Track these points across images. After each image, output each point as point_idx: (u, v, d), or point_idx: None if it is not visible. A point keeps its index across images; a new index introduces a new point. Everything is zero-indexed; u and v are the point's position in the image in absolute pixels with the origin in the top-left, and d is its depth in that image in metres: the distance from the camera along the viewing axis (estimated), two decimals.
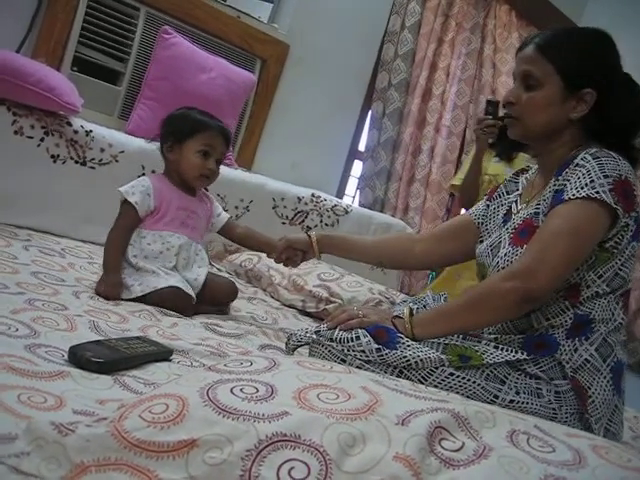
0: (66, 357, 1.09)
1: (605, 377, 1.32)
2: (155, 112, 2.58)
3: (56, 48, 2.47)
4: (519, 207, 1.51)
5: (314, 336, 1.35)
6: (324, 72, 3.28)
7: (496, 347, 1.31)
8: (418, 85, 3.59)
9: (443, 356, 1.27)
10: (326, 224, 2.97)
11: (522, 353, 1.31)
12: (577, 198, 1.28)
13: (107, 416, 0.78)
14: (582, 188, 1.28)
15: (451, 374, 1.28)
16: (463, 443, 0.76)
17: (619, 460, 0.76)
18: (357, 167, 3.70)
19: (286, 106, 3.18)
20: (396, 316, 1.38)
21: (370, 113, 3.54)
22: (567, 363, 1.31)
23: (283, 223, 2.86)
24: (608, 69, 1.40)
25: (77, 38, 2.51)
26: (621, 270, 1.36)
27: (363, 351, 1.28)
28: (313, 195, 2.97)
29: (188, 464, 0.69)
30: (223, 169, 2.65)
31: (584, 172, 1.30)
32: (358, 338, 1.29)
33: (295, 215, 2.89)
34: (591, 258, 1.33)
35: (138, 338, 1.27)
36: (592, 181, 1.28)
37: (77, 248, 2.11)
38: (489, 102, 2.55)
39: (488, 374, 1.29)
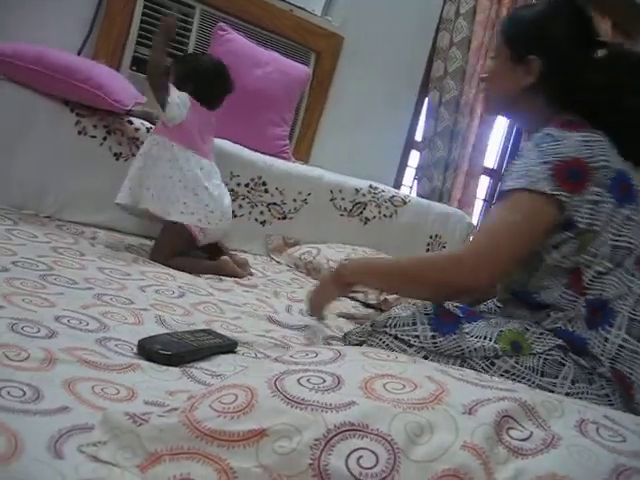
0: (135, 350, 1.12)
1: None
2: None
3: (115, 49, 2.53)
4: None
5: (370, 328, 1.36)
6: (379, 62, 3.27)
7: (541, 334, 1.29)
8: (475, 73, 3.55)
9: (497, 345, 1.25)
10: (384, 215, 2.96)
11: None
12: (515, 190, 1.26)
13: (178, 406, 0.80)
14: (519, 179, 1.26)
15: (506, 371, 1.24)
16: (531, 432, 0.75)
17: None
18: (414, 157, 3.68)
19: (341, 98, 3.18)
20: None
21: (426, 102, 3.52)
22: (602, 356, 1.25)
23: (341, 215, 2.86)
24: (556, 36, 1.37)
25: (135, 38, 2.57)
26: (618, 241, 1.28)
27: (418, 336, 1.28)
28: (371, 186, 2.95)
29: (258, 453, 0.70)
30: (280, 162, 2.68)
31: (522, 162, 1.28)
32: (415, 324, 1.29)
33: (353, 207, 2.88)
34: (573, 244, 1.28)
35: (204, 331, 1.29)
36: (528, 170, 1.25)
37: (140, 245, 2.16)
38: None
39: (546, 358, 1.26)
